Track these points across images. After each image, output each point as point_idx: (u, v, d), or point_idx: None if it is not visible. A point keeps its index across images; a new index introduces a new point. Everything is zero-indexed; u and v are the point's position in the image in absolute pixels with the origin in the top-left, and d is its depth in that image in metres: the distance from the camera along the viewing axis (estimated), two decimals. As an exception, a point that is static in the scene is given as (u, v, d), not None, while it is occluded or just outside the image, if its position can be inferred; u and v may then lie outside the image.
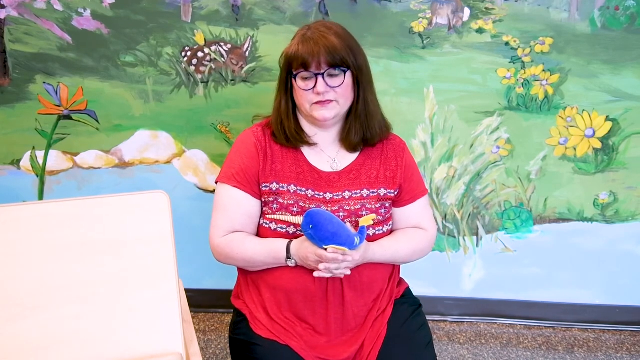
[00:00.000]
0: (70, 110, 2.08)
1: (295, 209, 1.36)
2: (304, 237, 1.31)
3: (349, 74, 1.34)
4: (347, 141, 1.40)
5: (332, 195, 1.37)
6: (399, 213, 1.47)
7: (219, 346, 2.12)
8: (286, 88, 1.38)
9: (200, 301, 2.25)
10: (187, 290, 1.35)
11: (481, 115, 2.07)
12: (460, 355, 2.10)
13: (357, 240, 1.28)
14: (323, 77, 1.30)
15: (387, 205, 1.43)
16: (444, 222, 2.20)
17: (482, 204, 2.17)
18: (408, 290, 1.55)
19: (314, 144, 1.40)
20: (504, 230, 2.20)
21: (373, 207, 1.39)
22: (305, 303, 1.37)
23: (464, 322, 2.29)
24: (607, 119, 2.05)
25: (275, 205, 1.36)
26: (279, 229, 1.37)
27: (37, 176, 2.15)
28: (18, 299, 1.10)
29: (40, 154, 2.12)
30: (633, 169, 2.09)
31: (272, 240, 1.37)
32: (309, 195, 1.37)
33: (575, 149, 2.08)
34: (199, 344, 1.64)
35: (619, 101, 2.02)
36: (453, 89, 2.04)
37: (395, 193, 1.43)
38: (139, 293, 1.16)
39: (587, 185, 2.12)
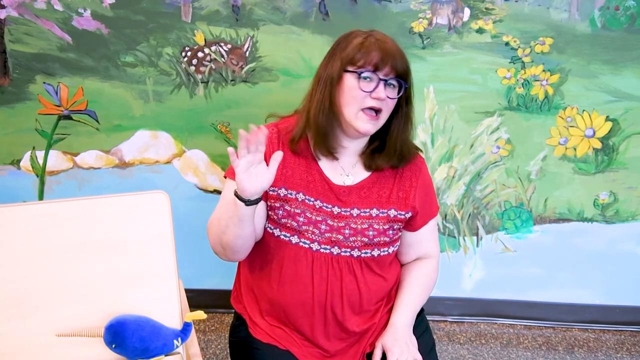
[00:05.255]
0: (70, 111, 2.08)
1: (301, 219, 1.31)
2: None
3: (403, 93, 1.28)
4: (372, 163, 1.34)
5: (339, 210, 1.32)
6: (409, 238, 1.43)
7: (219, 346, 2.12)
8: (339, 82, 1.27)
9: (200, 301, 2.24)
10: (187, 290, 1.34)
11: (481, 115, 2.07)
12: (460, 355, 2.10)
13: (177, 342, 1.18)
14: (385, 85, 1.25)
15: (396, 227, 1.37)
16: (444, 222, 2.20)
17: (482, 204, 2.17)
18: None
19: (335, 159, 1.34)
20: (504, 230, 2.20)
21: (381, 227, 1.34)
22: (303, 318, 1.35)
23: (464, 322, 2.29)
24: (607, 119, 2.05)
25: (281, 212, 1.32)
26: (282, 237, 1.33)
27: (37, 176, 2.15)
28: (18, 299, 1.10)
29: (40, 154, 2.12)
30: (633, 169, 2.09)
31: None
32: (317, 206, 1.32)
33: (575, 149, 2.08)
34: (199, 344, 1.64)
35: (619, 101, 2.02)
36: (453, 89, 2.04)
37: (407, 215, 1.36)
38: (139, 293, 1.16)
39: (587, 185, 2.12)
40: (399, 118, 1.32)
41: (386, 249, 1.36)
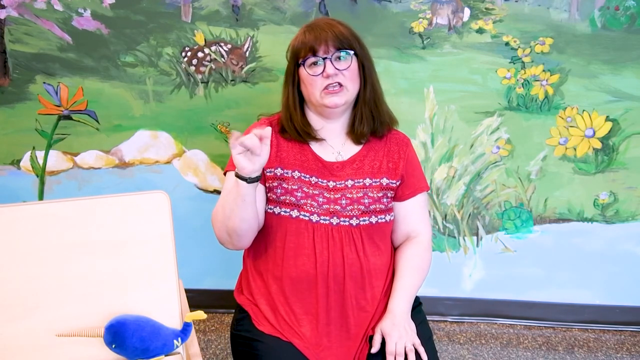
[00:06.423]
0: (70, 111, 2.08)
1: (299, 194, 1.38)
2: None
3: (355, 59, 1.37)
4: (355, 131, 1.43)
5: (335, 184, 1.40)
6: (399, 209, 1.49)
7: (219, 346, 2.12)
8: (293, 81, 1.41)
9: (200, 301, 2.25)
10: (187, 290, 1.35)
11: (481, 115, 2.07)
12: (460, 355, 2.10)
13: (177, 342, 1.18)
14: (331, 61, 1.34)
15: (390, 195, 1.45)
16: (444, 222, 2.20)
17: (482, 204, 2.17)
18: None
19: (322, 139, 1.43)
20: (504, 231, 2.20)
21: (375, 195, 1.41)
22: (309, 291, 1.38)
23: (464, 322, 2.29)
24: (607, 119, 2.05)
25: (279, 190, 1.38)
26: (282, 213, 1.38)
27: (37, 176, 2.15)
28: (18, 299, 1.10)
29: (40, 154, 2.12)
30: (633, 169, 2.09)
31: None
32: (313, 182, 1.39)
33: (575, 149, 2.08)
34: (199, 344, 1.64)
35: (619, 101, 2.02)
36: (453, 89, 2.04)
37: (397, 184, 1.45)
38: (139, 293, 1.16)
39: (587, 185, 2.12)
40: (361, 83, 1.41)
41: (383, 216, 1.43)
